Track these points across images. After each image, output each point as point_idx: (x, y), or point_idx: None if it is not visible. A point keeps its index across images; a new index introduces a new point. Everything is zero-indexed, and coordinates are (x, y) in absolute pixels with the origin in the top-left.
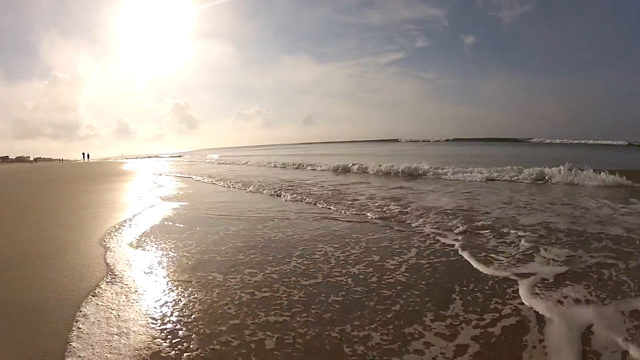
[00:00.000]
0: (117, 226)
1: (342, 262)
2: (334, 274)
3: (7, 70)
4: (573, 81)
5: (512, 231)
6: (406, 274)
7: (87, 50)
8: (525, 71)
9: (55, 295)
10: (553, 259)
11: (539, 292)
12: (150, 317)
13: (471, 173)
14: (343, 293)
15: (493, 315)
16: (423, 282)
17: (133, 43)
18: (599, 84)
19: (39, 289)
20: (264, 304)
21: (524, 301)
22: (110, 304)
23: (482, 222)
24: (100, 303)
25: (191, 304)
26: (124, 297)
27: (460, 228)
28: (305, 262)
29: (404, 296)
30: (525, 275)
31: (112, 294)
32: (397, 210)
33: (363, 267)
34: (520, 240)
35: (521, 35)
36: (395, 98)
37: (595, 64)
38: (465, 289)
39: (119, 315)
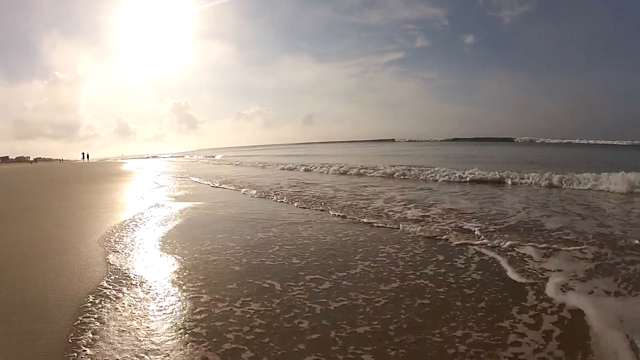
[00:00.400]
0: (137, 225)
1: (410, 264)
2: (410, 276)
3: (9, 71)
4: (573, 81)
5: (542, 233)
6: (479, 271)
7: (88, 50)
8: (525, 71)
9: (56, 295)
10: (585, 258)
11: (574, 287)
12: (196, 333)
13: (470, 174)
14: (428, 295)
15: (560, 303)
16: (497, 279)
17: (134, 43)
18: (598, 84)
19: (39, 289)
20: (344, 314)
21: (566, 295)
22: (138, 313)
23: (509, 224)
24: (121, 309)
25: (248, 317)
26: (153, 305)
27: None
28: (372, 265)
29: (485, 293)
30: (562, 273)
31: (135, 299)
32: (421, 213)
33: (435, 268)
34: (552, 243)
35: (521, 35)
36: (395, 98)
37: (595, 64)
38: (529, 281)
39: (149, 327)
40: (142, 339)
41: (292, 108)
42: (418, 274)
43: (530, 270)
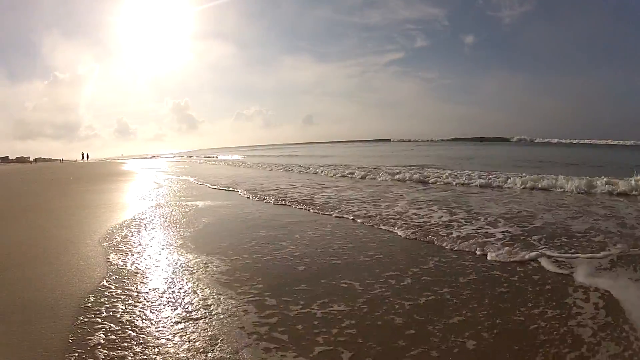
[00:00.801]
0: (156, 225)
1: (477, 256)
2: (482, 268)
3: (10, 71)
4: (573, 81)
5: (567, 233)
6: (535, 264)
7: (88, 50)
8: (525, 71)
9: (56, 295)
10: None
11: (603, 275)
12: (275, 338)
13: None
14: (505, 284)
15: (595, 287)
16: (544, 270)
17: (134, 43)
18: (598, 84)
19: (39, 289)
20: (434, 307)
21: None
22: (184, 316)
23: (536, 226)
24: (155, 312)
25: (332, 318)
26: (204, 309)
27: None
28: (442, 260)
29: (546, 277)
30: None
31: (176, 302)
32: (448, 218)
33: (497, 261)
34: (578, 240)
35: (521, 35)
36: (395, 98)
37: (595, 64)
38: (567, 272)
39: (208, 332)
40: (203, 345)
41: (292, 108)
42: (489, 265)
43: (564, 262)
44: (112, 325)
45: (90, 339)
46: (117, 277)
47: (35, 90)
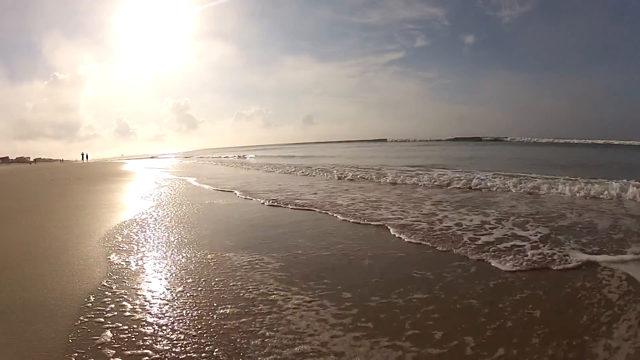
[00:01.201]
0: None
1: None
2: (536, 254)
3: (11, 71)
4: (573, 81)
5: (590, 232)
6: (565, 256)
7: (89, 50)
8: (525, 71)
9: (57, 295)
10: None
11: (624, 262)
12: (361, 327)
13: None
14: (559, 265)
15: (617, 269)
16: (573, 258)
17: (134, 43)
18: (599, 84)
19: (39, 289)
20: (500, 289)
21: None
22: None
23: (563, 224)
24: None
25: (412, 305)
26: (277, 304)
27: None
28: (498, 251)
29: (581, 265)
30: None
31: (242, 297)
32: (480, 219)
33: (547, 253)
34: (601, 237)
35: (521, 35)
36: (395, 98)
37: (595, 64)
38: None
39: (296, 326)
40: (282, 340)
41: (292, 108)
42: (535, 260)
43: (590, 253)
44: (119, 324)
45: (95, 339)
46: (117, 276)
47: (35, 90)
